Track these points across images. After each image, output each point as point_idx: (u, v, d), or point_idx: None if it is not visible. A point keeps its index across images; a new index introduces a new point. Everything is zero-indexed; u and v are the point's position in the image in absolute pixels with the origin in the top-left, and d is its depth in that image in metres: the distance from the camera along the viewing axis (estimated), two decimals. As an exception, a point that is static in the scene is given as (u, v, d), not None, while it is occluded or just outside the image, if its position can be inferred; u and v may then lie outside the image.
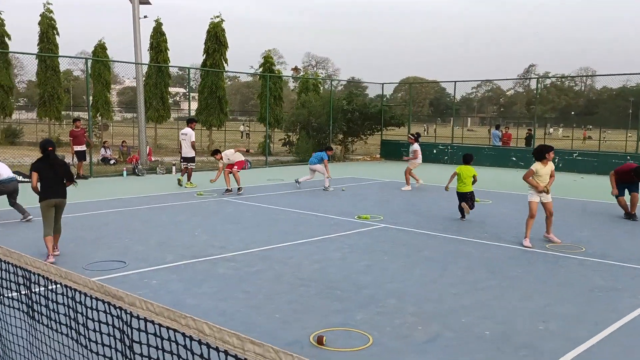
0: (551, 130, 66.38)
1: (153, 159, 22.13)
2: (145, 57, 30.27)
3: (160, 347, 2.42)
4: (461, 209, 11.22)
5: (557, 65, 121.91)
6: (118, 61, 28.11)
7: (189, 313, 5.43)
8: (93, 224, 10.02)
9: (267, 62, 31.08)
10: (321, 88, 32.91)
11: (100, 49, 30.16)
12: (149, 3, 41.57)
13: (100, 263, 7.41)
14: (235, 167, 14.38)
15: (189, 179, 15.67)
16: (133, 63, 20.43)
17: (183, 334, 2.22)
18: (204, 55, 29.42)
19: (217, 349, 2.09)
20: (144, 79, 30.36)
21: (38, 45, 30.00)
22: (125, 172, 18.02)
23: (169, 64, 30.25)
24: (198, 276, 6.94)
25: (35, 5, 32.78)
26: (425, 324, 5.47)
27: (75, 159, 17.16)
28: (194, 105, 28.93)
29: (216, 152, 14.85)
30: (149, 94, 29.23)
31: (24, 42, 34.14)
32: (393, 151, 27.16)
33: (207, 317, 5.42)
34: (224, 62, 29.29)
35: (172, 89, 35.62)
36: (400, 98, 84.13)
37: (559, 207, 13.01)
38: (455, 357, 4.72)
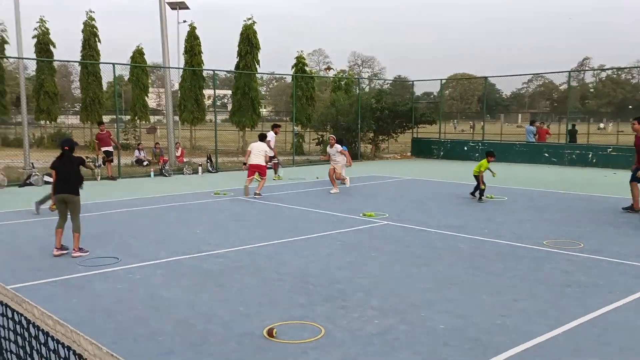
0: (601, 125, 64.10)
1: (185, 160, 22.74)
2: (182, 61, 31.16)
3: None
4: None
5: (613, 58, 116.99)
6: (144, 65, 28.98)
7: (160, 305, 5.72)
8: (103, 222, 10.48)
9: (300, 63, 31.37)
10: (365, 87, 33.03)
11: (138, 54, 31.16)
12: (187, 8, 42.71)
13: (95, 259, 7.78)
14: (258, 172, 14.28)
15: (276, 172, 18.24)
16: (159, 67, 21.04)
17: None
18: (237, 58, 29.97)
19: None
20: (178, 82, 31.32)
21: (81, 52, 31.26)
22: (152, 173, 18.63)
23: (200, 68, 30.93)
24: (182, 271, 7.21)
25: (79, 13, 34.16)
26: (382, 317, 5.55)
27: (100, 161, 17.86)
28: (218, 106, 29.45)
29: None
30: (184, 96, 30.04)
31: (70, 49, 35.62)
32: (424, 149, 26.98)
33: (174, 309, 5.71)
34: (255, 64, 29.73)
35: (208, 92, 36.37)
36: (448, 95, 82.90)
37: (577, 203, 12.74)
38: (397, 350, 4.79)
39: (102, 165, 17.82)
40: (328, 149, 15.27)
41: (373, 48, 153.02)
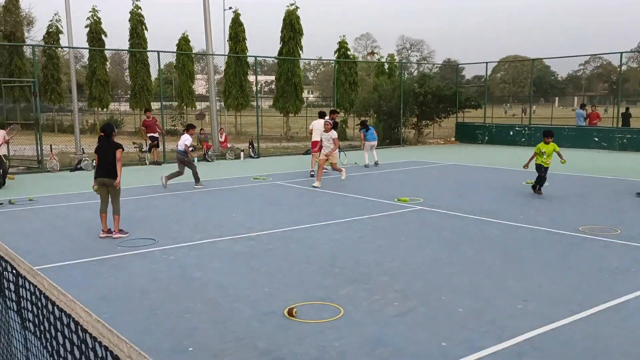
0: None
1: (229, 145, 23.18)
2: (227, 48, 31.62)
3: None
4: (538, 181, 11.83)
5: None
6: (185, 52, 29.49)
7: (191, 284, 5.99)
8: (146, 206, 10.90)
9: (342, 48, 31.35)
10: (413, 71, 32.58)
11: (183, 42, 31.81)
12: (232, -6, 42.95)
13: (134, 240, 8.15)
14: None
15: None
16: (199, 54, 21.44)
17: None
18: (280, 43, 30.19)
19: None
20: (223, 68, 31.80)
21: (129, 40, 32.14)
22: (196, 159, 19.09)
23: (244, 54, 31.30)
24: (215, 253, 7.48)
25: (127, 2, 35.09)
26: (403, 300, 5.64)
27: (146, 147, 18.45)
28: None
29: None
30: (228, 83, 30.51)
31: (120, 38, 36.58)
32: (469, 134, 26.56)
33: (204, 288, 5.97)
34: (299, 50, 29.88)
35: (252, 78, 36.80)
36: (499, 78, 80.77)
37: (621, 188, 12.38)
38: (414, 331, 4.88)
39: (149, 151, 18.42)
40: (322, 133, 13.74)
41: (422, 31, 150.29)
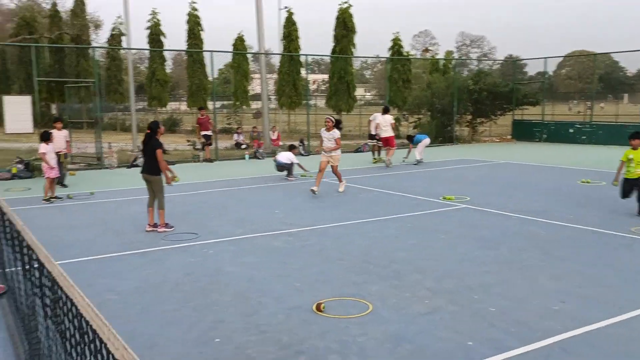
0: None
1: (281, 143, 23.45)
2: (282, 47, 31.95)
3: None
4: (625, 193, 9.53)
5: None
6: (237, 52, 29.94)
7: (224, 278, 6.12)
8: (192, 201, 11.19)
9: (396, 45, 31.06)
10: (474, 68, 31.71)
11: (239, 41, 32.36)
12: (288, -6, 43.32)
13: (178, 234, 8.38)
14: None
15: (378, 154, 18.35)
16: (250, 53, 21.77)
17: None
18: (334, 42, 30.22)
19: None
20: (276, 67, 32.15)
21: (187, 41, 32.97)
22: (247, 156, 19.45)
23: (297, 53, 31.52)
24: (252, 248, 7.59)
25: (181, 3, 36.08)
26: (433, 298, 5.56)
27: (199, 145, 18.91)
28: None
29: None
30: (282, 81, 30.82)
31: (178, 39, 37.67)
32: (526, 132, 25.75)
33: (236, 282, 6.09)
34: (351, 48, 29.83)
35: (311, 76, 37.04)
36: (565, 74, 77.75)
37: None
38: (439, 329, 4.81)
39: (202, 149, 18.87)
40: (323, 132, 12.08)
41: (484, 27, 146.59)
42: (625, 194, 9.55)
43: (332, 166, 11.98)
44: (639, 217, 9.08)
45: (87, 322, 2.09)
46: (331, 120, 11.88)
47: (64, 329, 2.41)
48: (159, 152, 8.55)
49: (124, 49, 21.27)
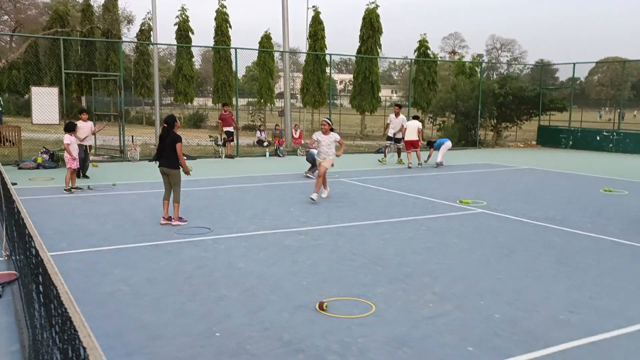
0: None
1: (302, 141, 23.50)
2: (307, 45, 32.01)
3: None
4: None
5: None
6: (260, 50, 30.10)
7: (234, 273, 6.18)
8: (210, 196, 11.29)
9: (422, 46, 30.90)
10: (503, 72, 31.22)
11: (265, 39, 32.53)
12: (317, -7, 43.45)
13: (191, 229, 8.47)
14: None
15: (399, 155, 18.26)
16: (276, 51, 21.83)
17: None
18: (359, 42, 30.21)
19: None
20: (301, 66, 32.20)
21: (214, 38, 33.29)
22: (267, 153, 19.55)
23: (322, 52, 31.55)
24: (264, 245, 7.64)
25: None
26: (439, 302, 5.52)
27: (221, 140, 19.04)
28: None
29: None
30: (306, 80, 30.90)
31: (206, 35, 38.03)
32: (552, 138, 25.39)
33: (245, 278, 6.14)
34: (377, 48, 29.77)
35: (338, 76, 37.10)
36: (597, 81, 76.34)
37: None
38: (442, 334, 4.78)
39: (223, 145, 19.02)
40: (319, 135, 11.10)
41: (515, 31, 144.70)
42: None
43: (320, 167, 10.98)
44: None
45: (64, 310, 2.13)
46: (328, 122, 11.09)
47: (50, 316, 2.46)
48: (178, 145, 8.65)
49: (150, 43, 21.53)
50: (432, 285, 6.03)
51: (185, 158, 9.09)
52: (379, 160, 18.22)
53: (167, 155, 8.66)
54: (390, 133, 17.99)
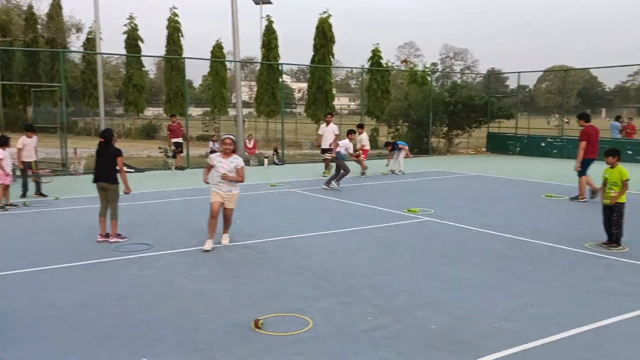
0: None
1: (257, 152, 23.29)
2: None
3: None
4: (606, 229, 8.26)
5: None
6: (210, 60, 29.84)
7: (171, 292, 5.96)
8: (154, 210, 11.01)
9: (375, 56, 31.19)
10: (457, 80, 31.84)
11: (217, 48, 32.24)
12: (270, 3, 43.47)
13: (130, 245, 8.20)
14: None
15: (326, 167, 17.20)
16: (226, 61, 21.64)
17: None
18: (313, 51, 30.26)
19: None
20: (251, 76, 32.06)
21: (165, 47, 32.78)
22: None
23: (275, 62, 31.49)
24: (206, 260, 7.45)
25: (164, 8, 35.87)
26: (379, 315, 5.47)
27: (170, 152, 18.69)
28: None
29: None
30: (260, 89, 30.75)
31: (158, 44, 37.51)
32: (500, 144, 25.94)
33: (182, 297, 5.95)
34: (330, 57, 29.88)
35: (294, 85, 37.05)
36: (544, 88, 78.62)
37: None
38: (379, 349, 4.72)
39: (173, 157, 18.65)
40: (216, 159, 8.37)
41: (468, 40, 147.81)
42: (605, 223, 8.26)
43: (225, 210, 8.48)
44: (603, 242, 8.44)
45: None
46: (233, 140, 8.31)
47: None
48: (119, 159, 8.42)
49: (94, 53, 21.01)
50: (373, 298, 5.98)
51: (128, 170, 8.81)
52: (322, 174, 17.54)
53: (106, 170, 8.40)
54: (325, 145, 16.84)
